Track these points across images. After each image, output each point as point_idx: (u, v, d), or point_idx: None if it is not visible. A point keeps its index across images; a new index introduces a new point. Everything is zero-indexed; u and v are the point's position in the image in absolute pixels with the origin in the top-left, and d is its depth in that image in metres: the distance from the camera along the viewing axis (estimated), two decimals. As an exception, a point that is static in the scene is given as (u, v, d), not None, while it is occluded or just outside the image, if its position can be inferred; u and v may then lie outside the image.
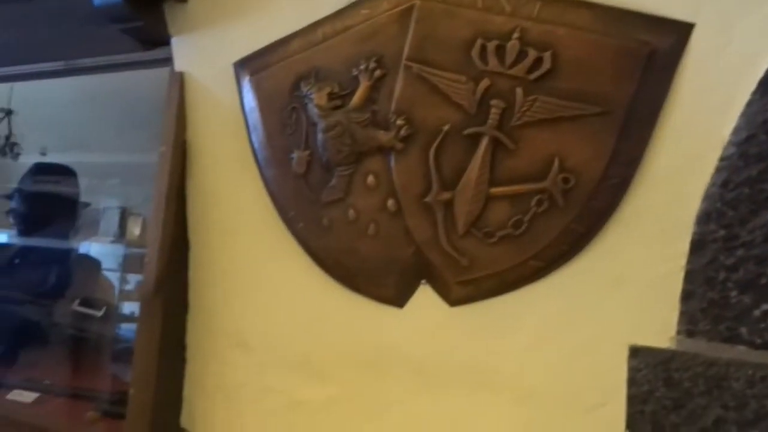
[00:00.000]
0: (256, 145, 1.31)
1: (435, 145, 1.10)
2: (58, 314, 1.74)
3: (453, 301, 1.13)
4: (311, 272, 1.25)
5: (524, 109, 1.03)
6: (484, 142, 1.06)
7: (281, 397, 1.27)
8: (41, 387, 1.55)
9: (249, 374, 1.32)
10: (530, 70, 1.02)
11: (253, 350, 1.32)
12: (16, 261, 1.85)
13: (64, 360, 1.68)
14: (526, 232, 1.05)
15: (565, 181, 1.01)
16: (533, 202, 1.04)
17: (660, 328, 0.95)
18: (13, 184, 2.19)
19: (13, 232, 1.92)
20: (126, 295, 2.25)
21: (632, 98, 0.97)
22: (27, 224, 1.88)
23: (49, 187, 1.88)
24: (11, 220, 1.89)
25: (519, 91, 1.03)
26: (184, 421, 1.39)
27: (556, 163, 1.01)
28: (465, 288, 1.11)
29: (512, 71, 1.04)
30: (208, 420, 1.36)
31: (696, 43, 0.94)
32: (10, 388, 1.55)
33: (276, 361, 1.29)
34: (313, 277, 1.24)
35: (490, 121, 1.05)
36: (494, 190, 1.07)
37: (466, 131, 1.07)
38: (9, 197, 1.92)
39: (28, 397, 1.52)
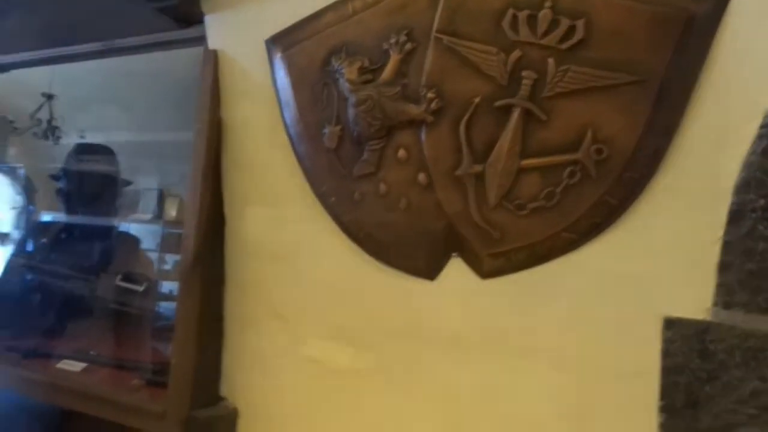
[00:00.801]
0: (288, 121, 1.32)
1: (466, 117, 1.10)
2: (102, 289, 1.81)
3: (485, 274, 1.13)
4: (344, 246, 1.26)
5: (556, 79, 1.02)
6: (516, 114, 1.06)
7: (316, 366, 1.31)
8: (88, 357, 1.62)
9: (285, 345, 1.35)
10: (562, 40, 1.01)
11: (288, 321, 1.35)
12: (63, 236, 1.93)
13: (108, 332, 1.75)
14: (559, 204, 1.05)
15: (599, 152, 1.00)
16: (566, 173, 1.03)
17: (696, 299, 0.94)
18: (54, 165, 2.26)
19: (60, 210, 2.00)
20: (164, 274, 2.31)
21: (668, 66, 0.95)
22: (73, 202, 1.95)
23: (92, 166, 1.94)
24: (59, 199, 1.96)
25: (551, 61, 1.02)
26: (224, 390, 1.44)
27: (589, 133, 1.01)
28: (496, 260, 1.12)
29: (544, 41, 1.03)
30: (246, 389, 1.41)
31: (735, 8, 0.91)
32: (60, 358, 1.63)
33: (311, 332, 1.32)
34: (346, 250, 1.26)
35: (521, 93, 1.05)
36: (526, 162, 1.06)
37: (498, 103, 1.07)
38: (56, 178, 1.99)
39: (76, 366, 1.59)
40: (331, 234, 1.28)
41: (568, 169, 1.03)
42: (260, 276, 1.40)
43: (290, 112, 1.31)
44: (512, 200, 1.08)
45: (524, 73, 1.04)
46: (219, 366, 1.44)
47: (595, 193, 1.02)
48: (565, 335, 1.06)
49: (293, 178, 1.32)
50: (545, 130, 1.04)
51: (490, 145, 1.09)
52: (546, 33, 1.02)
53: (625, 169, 1.00)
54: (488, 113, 1.08)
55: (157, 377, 1.46)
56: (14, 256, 2.13)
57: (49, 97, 3.24)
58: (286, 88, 1.31)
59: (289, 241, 1.36)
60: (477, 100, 1.09)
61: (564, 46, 1.01)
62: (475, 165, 1.11)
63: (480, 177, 1.10)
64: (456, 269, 1.16)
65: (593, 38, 0.99)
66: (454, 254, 1.17)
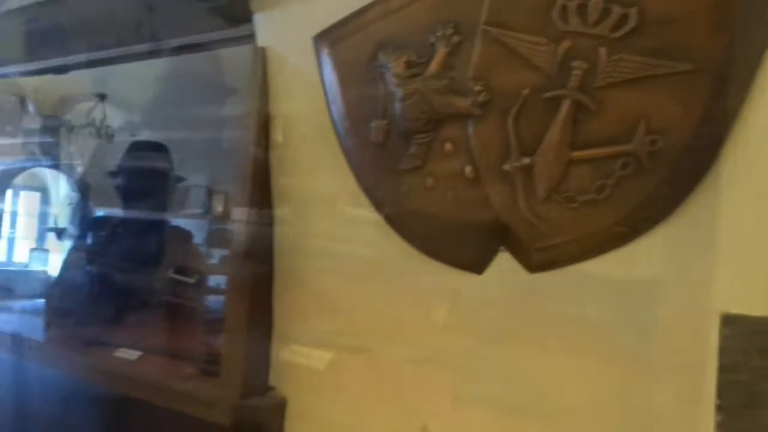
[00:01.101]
0: (335, 116, 1.34)
1: (514, 110, 1.09)
2: (156, 281, 1.88)
3: (533, 267, 1.12)
4: (391, 240, 1.27)
5: (608, 69, 1.00)
6: (566, 105, 1.04)
7: (364, 358, 1.32)
8: (144, 346, 1.69)
9: (332, 336, 1.37)
10: (614, 28, 0.99)
11: (336, 314, 1.37)
12: (119, 230, 2.01)
13: (162, 323, 1.82)
14: (610, 197, 1.03)
15: (653, 142, 0.98)
16: (618, 165, 1.01)
17: (756, 295, 0.91)
18: (108, 163, 2.35)
19: (116, 206, 2.08)
20: (212, 268, 2.37)
21: (726, 52, 0.92)
22: (129, 198, 2.03)
23: (147, 163, 2.02)
24: (117, 194, 2.05)
25: (602, 50, 1.00)
26: (273, 380, 1.47)
27: (643, 124, 0.98)
28: (545, 254, 1.11)
29: (595, 30, 1.01)
30: (295, 379, 1.43)
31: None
32: (117, 346, 1.70)
33: (358, 325, 1.34)
34: (393, 244, 1.27)
35: (571, 83, 1.03)
36: (576, 154, 1.05)
37: (547, 94, 1.05)
38: (114, 174, 2.08)
39: (132, 355, 1.66)
40: (378, 228, 1.29)
41: (621, 161, 1.00)
42: (308, 269, 1.43)
43: (337, 108, 1.33)
44: (562, 193, 1.07)
45: (574, 64, 1.02)
46: (268, 357, 1.47)
47: (649, 185, 1.00)
48: (617, 330, 1.04)
49: (340, 172, 1.33)
50: (596, 121, 1.02)
51: (539, 138, 1.07)
52: (597, 22, 1.00)
53: (681, 160, 0.97)
54: (537, 105, 1.07)
55: (209, 367, 1.50)
56: (74, 249, 2.24)
57: (102, 97, 3.37)
58: (334, 83, 1.33)
59: (336, 235, 1.38)
60: (525, 92, 1.08)
61: (616, 34, 0.99)
62: (524, 158, 1.09)
63: (528, 170, 1.09)
64: (503, 263, 1.15)
65: (646, 26, 0.97)
66: (501, 248, 1.16)
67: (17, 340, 1.89)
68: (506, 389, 1.15)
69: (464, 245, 1.19)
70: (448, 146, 1.19)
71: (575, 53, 1.03)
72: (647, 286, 1.02)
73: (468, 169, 1.16)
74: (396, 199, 1.26)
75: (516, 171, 1.11)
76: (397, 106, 1.22)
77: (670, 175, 0.98)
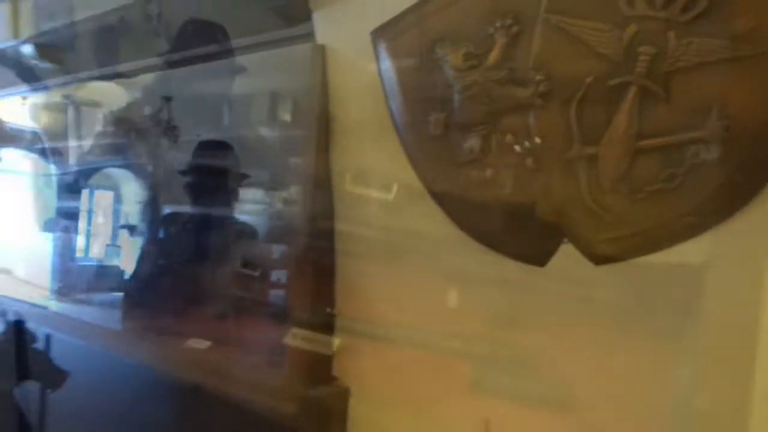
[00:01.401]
0: (394, 111, 1.34)
1: (577, 98, 1.07)
2: (223, 274, 1.95)
3: (598, 260, 1.10)
4: (451, 233, 1.27)
5: (678, 53, 0.96)
6: (632, 92, 1.01)
7: (426, 351, 1.33)
8: (213, 337, 1.76)
9: (395, 328, 1.39)
10: (684, 11, 0.95)
11: (397, 306, 1.38)
12: (189, 226, 2.10)
13: (230, 314, 1.88)
14: (681, 186, 0.99)
15: (726, 128, 0.94)
16: (689, 153, 0.97)
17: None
18: (175, 162, 2.44)
19: (184, 203, 2.17)
20: (275, 262, 2.42)
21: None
22: (198, 195, 2.11)
23: (215, 161, 2.09)
24: (186, 192, 2.14)
25: (671, 34, 0.97)
26: (336, 370, 1.50)
27: (715, 110, 0.94)
28: (610, 246, 1.08)
29: (663, 13, 0.97)
30: (357, 371, 1.46)
31: None
32: (188, 336, 1.78)
33: (419, 317, 1.35)
34: (453, 237, 1.27)
35: (638, 70, 1.00)
36: (643, 143, 1.01)
37: (612, 82, 1.03)
38: (183, 173, 2.17)
39: (203, 344, 1.74)
40: (438, 221, 1.29)
41: (692, 149, 0.97)
42: (368, 262, 1.44)
43: (396, 102, 1.34)
44: (628, 183, 1.04)
45: (641, 49, 0.99)
46: (331, 347, 1.50)
47: (723, 173, 0.95)
48: (689, 321, 1.00)
49: (400, 166, 1.34)
50: (665, 107, 0.99)
51: (604, 127, 1.05)
52: (665, 5, 0.97)
53: (757, 146, 0.93)
54: (601, 93, 1.04)
55: (274, 357, 1.55)
56: (147, 244, 2.35)
57: (168, 99, 3.50)
58: (392, 78, 1.34)
59: (396, 229, 1.39)
60: (589, 80, 1.05)
61: (686, 17, 0.95)
62: (587, 147, 1.07)
63: (592, 160, 1.07)
64: (567, 255, 1.13)
65: (718, 6, 0.93)
66: (564, 240, 1.14)
67: (97, 330, 2.03)
68: (571, 380, 1.13)
69: (526, 238, 1.18)
70: (508, 137, 1.17)
71: (641, 38, 0.99)
72: (720, 277, 0.98)
73: (529, 160, 1.15)
74: (456, 192, 1.26)
75: (579, 161, 1.08)
76: (456, 98, 1.22)
77: (744, 162, 0.94)
